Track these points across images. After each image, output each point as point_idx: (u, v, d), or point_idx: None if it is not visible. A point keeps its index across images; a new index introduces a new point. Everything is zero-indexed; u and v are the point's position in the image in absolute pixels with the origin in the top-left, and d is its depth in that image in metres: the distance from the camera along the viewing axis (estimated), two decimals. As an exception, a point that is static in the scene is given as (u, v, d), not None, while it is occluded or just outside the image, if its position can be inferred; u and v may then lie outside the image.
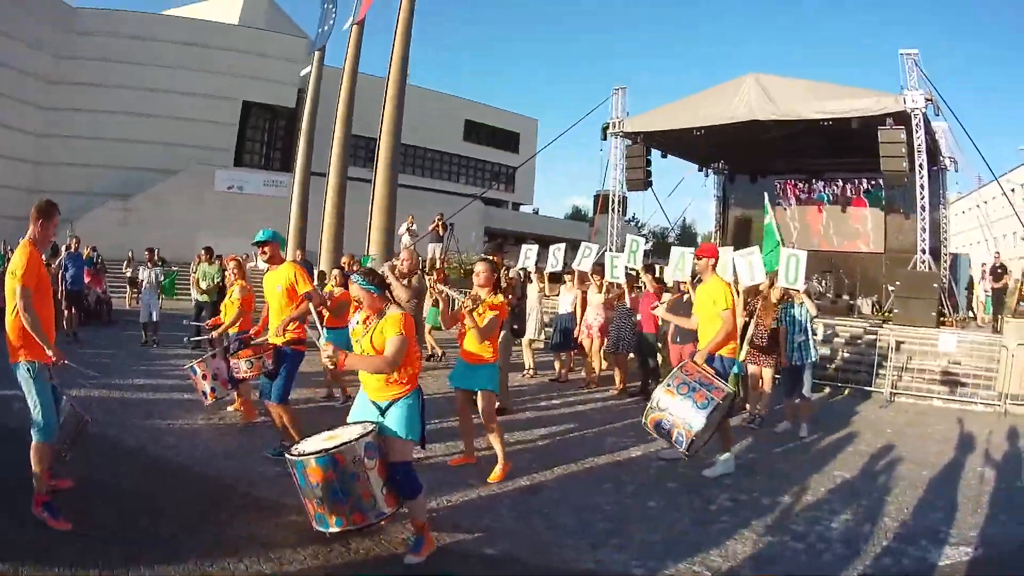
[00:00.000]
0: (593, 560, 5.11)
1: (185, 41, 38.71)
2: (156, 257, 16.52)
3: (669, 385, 6.86)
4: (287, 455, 4.91)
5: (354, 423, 5.11)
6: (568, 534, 5.54)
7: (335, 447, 4.64)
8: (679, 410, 6.63)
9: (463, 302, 6.82)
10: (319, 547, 4.98)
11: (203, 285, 14.73)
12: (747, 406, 10.14)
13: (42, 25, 35.57)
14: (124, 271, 23.14)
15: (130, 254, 23.19)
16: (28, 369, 5.23)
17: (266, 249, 7.11)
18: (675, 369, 7.31)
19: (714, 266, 7.69)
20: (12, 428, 6.78)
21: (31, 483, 5.20)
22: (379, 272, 5.58)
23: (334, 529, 4.77)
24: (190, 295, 15.63)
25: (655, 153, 22.30)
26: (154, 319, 15.19)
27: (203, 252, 15.23)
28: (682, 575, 4.94)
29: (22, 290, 5.08)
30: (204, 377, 8.73)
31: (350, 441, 4.69)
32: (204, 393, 8.78)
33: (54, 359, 5.32)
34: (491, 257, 8.79)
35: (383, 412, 5.01)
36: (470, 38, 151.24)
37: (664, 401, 6.77)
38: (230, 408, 9.09)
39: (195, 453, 7.33)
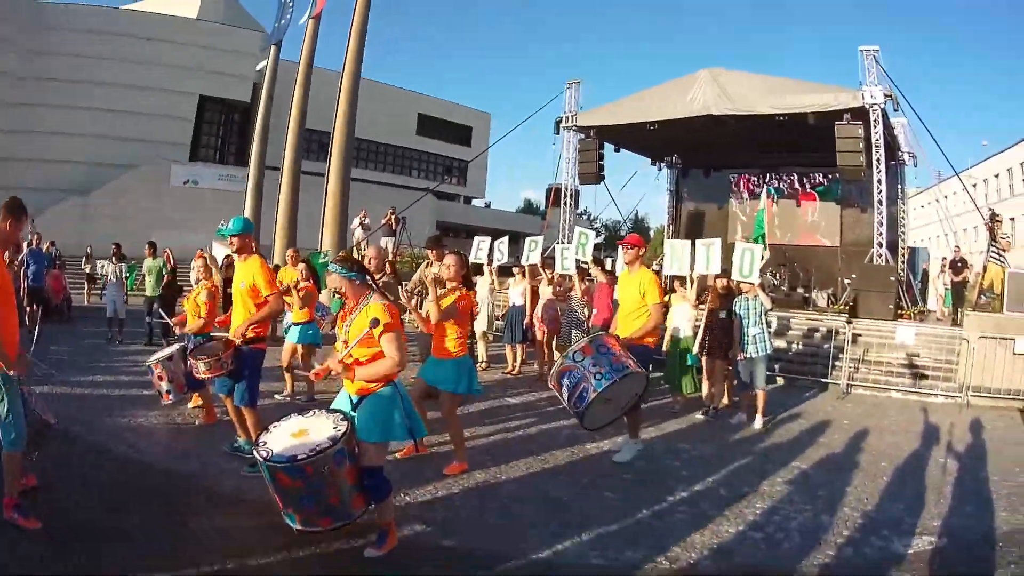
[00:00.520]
0: (551, 551, 5.04)
1: (143, 36, 38.56)
2: (120, 252, 16.41)
3: (590, 343, 6.76)
4: (255, 452, 4.71)
5: (331, 412, 4.87)
6: (526, 526, 5.50)
7: (305, 458, 4.41)
8: (591, 365, 6.48)
9: (424, 273, 6.72)
10: (284, 539, 4.89)
11: (150, 279, 14.72)
12: (704, 399, 10.16)
13: (9, 21, 35.26)
14: (83, 267, 23.49)
15: (88, 250, 23.58)
16: None
17: (234, 241, 6.83)
18: (598, 333, 7.33)
19: (641, 256, 7.75)
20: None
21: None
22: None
23: (299, 528, 4.69)
24: (142, 290, 15.65)
25: (608, 147, 22.37)
26: (120, 316, 15.19)
27: (147, 247, 15.16)
28: (641, 565, 4.88)
29: None
30: (160, 379, 8.61)
31: (320, 451, 4.45)
32: (160, 393, 8.68)
33: (14, 374, 4.90)
34: (454, 250, 8.69)
35: (355, 407, 4.81)
36: (424, 32, 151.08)
37: (580, 355, 6.63)
38: (190, 405, 8.94)
39: (157, 450, 7.27)
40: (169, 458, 6.94)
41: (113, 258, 16.12)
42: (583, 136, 21.76)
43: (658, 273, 10.88)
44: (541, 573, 4.78)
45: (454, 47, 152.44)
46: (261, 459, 4.54)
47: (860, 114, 16.27)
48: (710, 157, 23.40)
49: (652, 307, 7.23)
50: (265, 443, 4.66)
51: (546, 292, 12.39)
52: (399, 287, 8.65)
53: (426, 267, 10.13)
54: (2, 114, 35.49)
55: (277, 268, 13.82)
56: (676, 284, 11.10)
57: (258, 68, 40.37)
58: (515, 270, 13.57)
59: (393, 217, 21.67)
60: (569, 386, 6.58)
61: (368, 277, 4.98)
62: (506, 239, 13.79)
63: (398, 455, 6.92)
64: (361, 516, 4.84)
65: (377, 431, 4.70)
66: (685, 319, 10.32)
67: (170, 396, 8.63)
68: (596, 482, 6.68)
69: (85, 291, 23.05)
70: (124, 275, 16.15)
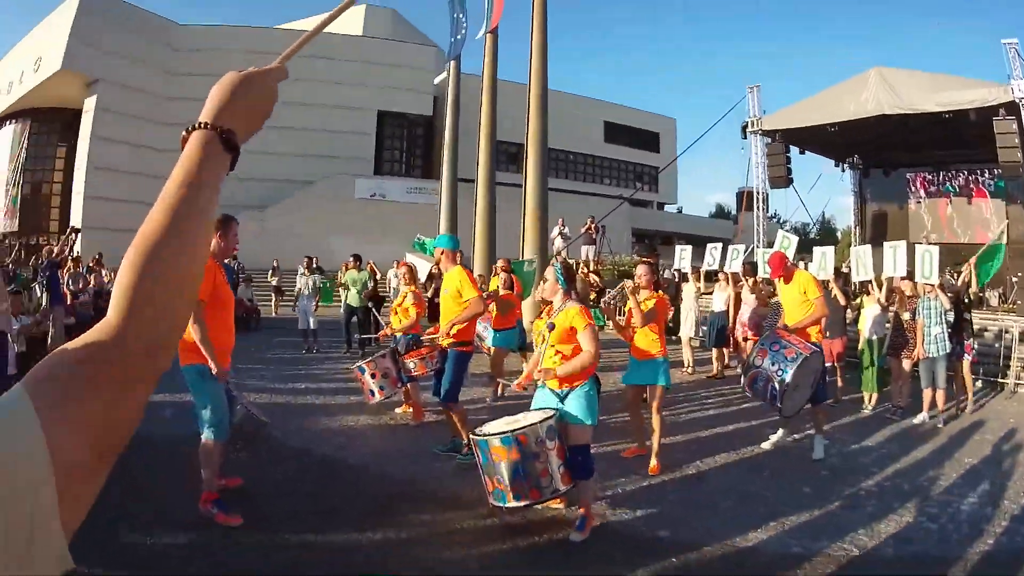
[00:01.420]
0: (754, 539, 5.60)
1: (311, 54, 37.26)
2: (315, 265, 16.92)
3: (763, 345, 7.61)
4: (472, 434, 5.36)
5: (535, 410, 5.53)
6: (730, 517, 6.06)
7: (520, 428, 5.03)
8: (771, 364, 7.29)
9: (624, 284, 7.59)
10: (494, 532, 5.56)
11: (354, 291, 15.28)
12: (891, 397, 10.77)
13: (148, 43, 37.12)
14: (269, 279, 24.76)
15: (275, 263, 24.96)
16: (199, 372, 5.36)
17: (441, 255, 7.51)
18: (767, 333, 8.21)
19: (791, 266, 8.68)
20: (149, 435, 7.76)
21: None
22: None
23: (511, 504, 5.18)
24: (341, 302, 16.31)
25: (793, 150, 22.45)
26: (312, 327, 15.67)
27: (351, 259, 15.90)
28: (834, 552, 5.38)
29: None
30: (373, 376, 9.11)
31: (533, 423, 5.07)
32: (372, 391, 9.17)
33: (215, 372, 5.39)
34: (649, 259, 9.84)
35: (562, 400, 5.40)
36: (602, 40, 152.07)
37: (758, 359, 7.47)
38: (398, 410, 9.50)
39: (364, 452, 7.78)
40: (377, 460, 7.44)
41: (306, 271, 16.49)
42: (769, 140, 21.93)
43: (847, 275, 11.83)
44: (744, 559, 5.25)
45: (632, 53, 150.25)
46: (477, 437, 5.20)
47: (1012, 108, 16.21)
48: (886, 156, 23.20)
49: (815, 300, 8.02)
50: (483, 428, 5.34)
51: (749, 299, 12.78)
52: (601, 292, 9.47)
53: None
54: (155, 133, 36.41)
55: (482, 278, 14.63)
56: (869, 287, 11.72)
57: (436, 81, 41.04)
58: (720, 276, 14.16)
59: (593, 225, 22.36)
60: (759, 389, 7.47)
61: (573, 289, 5.74)
62: (720, 245, 14.35)
63: (623, 454, 7.76)
64: (566, 493, 5.36)
65: (587, 414, 5.35)
66: (874, 320, 10.98)
67: (383, 392, 9.08)
68: (794, 477, 7.26)
69: (272, 303, 24.01)
70: (319, 286, 16.46)
